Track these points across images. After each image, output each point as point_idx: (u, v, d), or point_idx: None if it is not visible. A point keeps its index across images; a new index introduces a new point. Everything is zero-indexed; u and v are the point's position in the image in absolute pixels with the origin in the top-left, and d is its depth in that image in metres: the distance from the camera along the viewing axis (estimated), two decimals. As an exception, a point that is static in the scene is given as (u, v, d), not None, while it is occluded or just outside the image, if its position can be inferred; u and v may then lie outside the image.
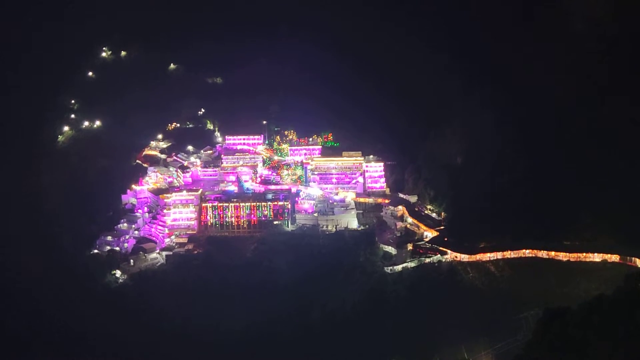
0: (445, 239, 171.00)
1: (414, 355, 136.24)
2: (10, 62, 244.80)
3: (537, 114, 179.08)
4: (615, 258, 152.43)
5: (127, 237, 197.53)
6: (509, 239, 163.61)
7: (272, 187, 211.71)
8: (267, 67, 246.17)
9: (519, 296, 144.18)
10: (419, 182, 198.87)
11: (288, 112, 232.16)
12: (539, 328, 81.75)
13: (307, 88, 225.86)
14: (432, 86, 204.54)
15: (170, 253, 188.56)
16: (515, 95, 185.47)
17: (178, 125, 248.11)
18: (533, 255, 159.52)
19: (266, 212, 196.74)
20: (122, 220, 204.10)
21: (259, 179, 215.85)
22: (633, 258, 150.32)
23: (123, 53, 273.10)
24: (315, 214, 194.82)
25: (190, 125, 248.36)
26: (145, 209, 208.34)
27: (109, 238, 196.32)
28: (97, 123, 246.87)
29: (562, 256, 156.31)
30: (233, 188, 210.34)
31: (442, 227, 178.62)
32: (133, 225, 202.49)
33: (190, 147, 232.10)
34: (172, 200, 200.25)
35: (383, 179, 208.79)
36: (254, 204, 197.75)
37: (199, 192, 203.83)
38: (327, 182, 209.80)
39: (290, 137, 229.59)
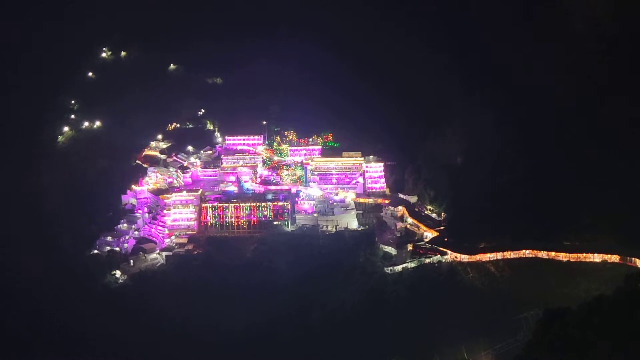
0: (445, 240, 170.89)
1: (414, 356, 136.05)
2: (10, 62, 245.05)
3: (537, 114, 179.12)
4: (615, 258, 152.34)
5: (127, 237, 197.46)
6: (509, 239, 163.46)
7: (272, 187, 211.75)
8: (267, 67, 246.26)
9: (519, 296, 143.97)
10: (419, 183, 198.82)
11: (288, 112, 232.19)
12: (539, 328, 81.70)
13: (307, 88, 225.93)
14: (432, 86, 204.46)
15: (170, 253, 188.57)
16: (515, 95, 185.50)
17: (178, 125, 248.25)
18: (533, 255, 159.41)
19: (266, 213, 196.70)
20: (122, 221, 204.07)
21: (258, 180, 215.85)
22: (633, 258, 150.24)
23: (123, 53, 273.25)
24: (315, 215, 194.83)
25: (190, 126, 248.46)
26: (145, 209, 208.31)
27: (109, 238, 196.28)
28: (97, 123, 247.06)
29: (562, 256, 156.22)
30: (233, 188, 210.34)
31: (442, 228, 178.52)
32: (133, 226, 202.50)
33: (190, 148, 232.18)
34: (172, 201, 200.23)
35: (383, 180, 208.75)
36: (254, 204, 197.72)
37: (199, 192, 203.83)
38: (327, 182, 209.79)
39: (290, 137, 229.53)
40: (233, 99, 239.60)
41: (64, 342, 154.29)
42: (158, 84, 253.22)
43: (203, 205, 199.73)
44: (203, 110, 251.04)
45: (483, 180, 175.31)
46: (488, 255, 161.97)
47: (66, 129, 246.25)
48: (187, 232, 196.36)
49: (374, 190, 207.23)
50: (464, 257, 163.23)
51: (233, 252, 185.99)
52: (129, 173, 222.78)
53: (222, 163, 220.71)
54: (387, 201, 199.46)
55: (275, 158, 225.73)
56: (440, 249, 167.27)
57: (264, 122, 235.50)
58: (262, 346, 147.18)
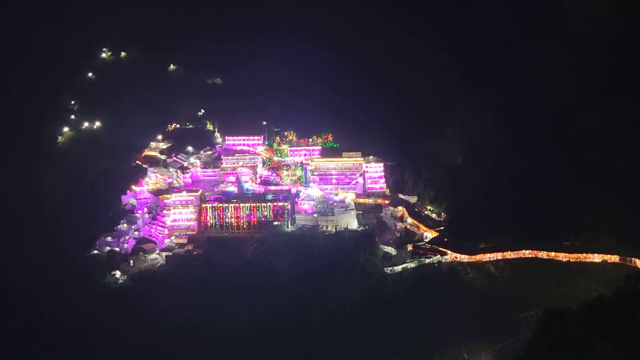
0: (445, 240, 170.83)
1: (414, 356, 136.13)
2: (10, 62, 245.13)
3: (537, 114, 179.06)
4: (615, 259, 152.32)
5: (126, 237, 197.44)
6: (508, 239, 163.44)
7: (272, 187, 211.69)
8: (267, 67, 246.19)
9: (519, 297, 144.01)
10: (419, 183, 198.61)
11: (288, 112, 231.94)
12: (539, 328, 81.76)
13: (307, 88, 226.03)
14: (432, 86, 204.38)
15: (170, 254, 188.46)
16: (515, 95, 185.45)
17: (178, 125, 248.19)
18: (533, 255, 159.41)
19: (266, 213, 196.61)
20: (121, 221, 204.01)
21: (258, 180, 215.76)
22: (633, 259, 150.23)
23: (123, 54, 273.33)
24: (315, 215, 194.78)
25: (190, 126, 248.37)
26: (145, 209, 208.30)
27: (109, 239, 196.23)
28: (97, 124, 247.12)
29: (562, 257, 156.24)
30: (233, 189, 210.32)
31: (442, 228, 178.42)
32: (133, 226, 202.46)
33: (190, 148, 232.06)
34: (171, 201, 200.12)
35: (383, 180, 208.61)
36: (254, 204, 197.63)
37: (199, 192, 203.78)
38: (327, 182, 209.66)
39: (290, 137, 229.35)
40: (233, 99, 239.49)
41: (64, 342, 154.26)
42: (158, 84, 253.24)
43: (203, 205, 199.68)
44: (203, 111, 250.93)
45: (483, 180, 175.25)
46: (488, 255, 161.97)
47: (66, 129, 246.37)
48: (187, 233, 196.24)
49: (373, 190, 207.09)
50: (464, 257, 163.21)
51: (233, 252, 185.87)
52: (129, 173, 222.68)
53: (222, 163, 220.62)
54: (387, 201, 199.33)
55: (275, 158, 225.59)
56: (440, 249, 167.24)
57: (264, 123, 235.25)
58: (262, 346, 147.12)
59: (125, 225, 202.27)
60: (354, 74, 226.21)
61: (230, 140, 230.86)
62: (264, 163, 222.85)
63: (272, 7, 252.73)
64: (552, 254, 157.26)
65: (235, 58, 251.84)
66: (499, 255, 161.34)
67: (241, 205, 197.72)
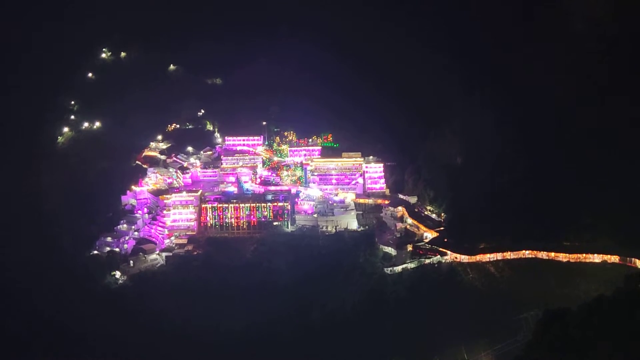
0: (445, 240, 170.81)
1: (414, 356, 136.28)
2: (10, 62, 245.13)
3: (537, 114, 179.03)
4: (615, 259, 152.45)
5: (126, 238, 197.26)
6: (508, 239, 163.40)
7: (272, 188, 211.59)
8: (267, 67, 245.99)
9: (519, 297, 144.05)
10: (419, 183, 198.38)
11: (288, 112, 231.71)
12: (539, 329, 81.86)
13: (306, 89, 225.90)
14: (432, 86, 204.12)
15: (170, 254, 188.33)
16: (515, 95, 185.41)
17: (178, 126, 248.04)
18: (533, 256, 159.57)
19: (266, 213, 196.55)
20: (121, 221, 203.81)
21: (258, 180, 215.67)
22: (633, 259, 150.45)
23: (123, 54, 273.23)
24: (315, 215, 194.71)
25: (190, 126, 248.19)
26: (145, 210, 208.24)
27: (109, 239, 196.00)
28: (97, 124, 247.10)
29: (562, 257, 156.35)
30: (233, 189, 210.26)
31: (441, 228, 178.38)
32: (133, 226, 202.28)
33: (190, 148, 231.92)
34: (171, 201, 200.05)
35: (383, 180, 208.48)
36: (254, 204, 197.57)
37: (199, 193, 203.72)
38: (327, 183, 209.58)
39: (290, 138, 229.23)
40: (233, 100, 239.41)
41: (64, 343, 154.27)
42: (158, 84, 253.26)
43: (203, 205, 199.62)
44: (203, 111, 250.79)
45: (483, 181, 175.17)
46: (488, 255, 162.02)
47: (66, 129, 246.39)
48: (187, 233, 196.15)
49: (373, 190, 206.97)
50: (464, 258, 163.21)
51: (233, 252, 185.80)
52: (129, 174, 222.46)
53: (221, 164, 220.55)
54: (386, 202, 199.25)
55: (275, 159, 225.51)
56: (440, 249, 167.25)
57: (264, 123, 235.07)
58: (262, 346, 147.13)
59: (125, 225, 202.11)
60: (353, 74, 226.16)
61: (230, 141, 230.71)
62: (263, 163, 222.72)
63: (272, 8, 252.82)
64: (552, 254, 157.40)
65: (235, 58, 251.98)
66: (498, 256, 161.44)
67: (241, 205, 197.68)
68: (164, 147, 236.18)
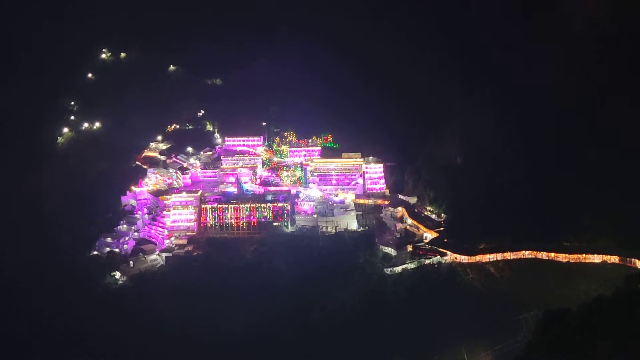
0: (445, 240, 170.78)
1: (414, 357, 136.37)
2: (10, 62, 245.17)
3: (537, 114, 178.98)
4: (614, 259, 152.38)
5: (126, 238, 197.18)
6: (508, 240, 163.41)
7: (272, 188, 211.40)
8: (267, 68, 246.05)
9: (519, 297, 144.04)
10: (419, 184, 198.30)
11: (287, 113, 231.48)
12: (539, 329, 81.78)
13: (306, 89, 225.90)
14: (432, 87, 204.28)
15: (170, 254, 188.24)
16: (515, 95, 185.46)
17: (177, 126, 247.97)
18: (533, 256, 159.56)
19: (266, 214, 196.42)
20: (121, 222, 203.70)
21: (258, 181, 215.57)
22: (633, 259, 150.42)
23: (122, 54, 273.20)
24: (315, 216, 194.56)
25: (190, 127, 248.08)
26: (145, 210, 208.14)
27: (109, 239, 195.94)
28: (97, 124, 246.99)
29: (562, 257, 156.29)
30: (232, 189, 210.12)
31: (441, 229, 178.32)
32: (132, 227, 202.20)
33: (189, 149, 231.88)
34: (171, 202, 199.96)
35: (383, 180, 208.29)
36: (254, 205, 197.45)
37: (199, 193, 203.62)
38: (327, 183, 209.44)
39: (290, 138, 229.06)
40: (233, 100, 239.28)
41: (64, 343, 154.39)
42: (158, 85, 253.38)
43: (203, 206, 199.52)
44: (203, 112, 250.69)
45: (483, 181, 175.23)
46: (488, 256, 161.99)
47: (66, 130, 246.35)
48: (187, 233, 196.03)
49: (373, 191, 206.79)
50: (464, 258, 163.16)
51: (233, 253, 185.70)
52: (129, 174, 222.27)
53: (221, 164, 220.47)
54: (386, 202, 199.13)
55: (275, 159, 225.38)
56: (440, 249, 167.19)
57: (264, 123, 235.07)
58: (262, 347, 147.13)
59: (125, 226, 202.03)
60: (353, 75, 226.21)
61: (230, 141, 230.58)
62: (263, 164, 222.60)
63: (272, 8, 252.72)
64: (552, 254, 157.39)
65: (235, 59, 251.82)
66: (498, 256, 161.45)
67: (241, 206, 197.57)
68: (164, 147, 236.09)
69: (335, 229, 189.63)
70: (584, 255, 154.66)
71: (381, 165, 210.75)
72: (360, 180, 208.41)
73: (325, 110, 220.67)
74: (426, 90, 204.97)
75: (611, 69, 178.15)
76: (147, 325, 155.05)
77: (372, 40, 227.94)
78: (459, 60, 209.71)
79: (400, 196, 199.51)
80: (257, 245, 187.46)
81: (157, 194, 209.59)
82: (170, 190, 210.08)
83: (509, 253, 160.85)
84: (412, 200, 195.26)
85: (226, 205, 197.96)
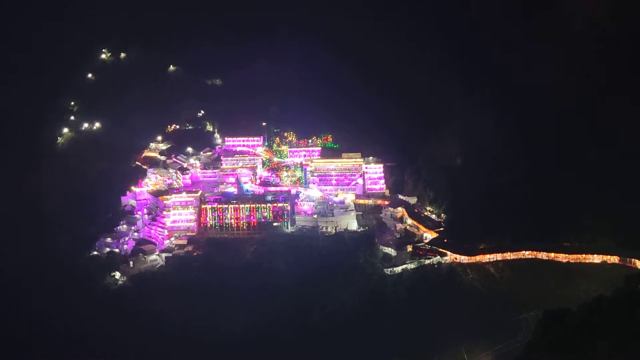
0: (445, 241, 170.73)
1: (414, 357, 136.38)
2: (10, 62, 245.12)
3: (537, 114, 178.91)
4: (614, 259, 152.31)
5: (126, 238, 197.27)
6: (508, 240, 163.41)
7: (272, 188, 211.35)
8: (267, 68, 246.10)
9: (519, 298, 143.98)
10: (419, 184, 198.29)
11: (287, 113, 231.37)
12: (539, 329, 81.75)
13: (306, 89, 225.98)
14: (432, 87, 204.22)
15: (170, 255, 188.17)
16: (515, 95, 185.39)
17: (177, 126, 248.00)
18: (533, 256, 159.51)
19: (266, 214, 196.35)
20: (121, 222, 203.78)
21: (258, 181, 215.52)
22: (633, 259, 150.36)
23: (122, 55, 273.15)
24: (315, 216, 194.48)
25: (190, 127, 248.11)
26: (145, 210, 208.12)
27: (109, 240, 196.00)
28: (97, 125, 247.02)
29: (562, 257, 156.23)
30: (232, 190, 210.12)
31: (441, 229, 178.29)
32: (132, 227, 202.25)
33: (189, 149, 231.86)
34: (171, 202, 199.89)
35: (382, 181, 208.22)
36: (254, 205, 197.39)
37: (199, 193, 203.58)
38: (327, 183, 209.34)
39: (290, 138, 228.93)
40: (233, 100, 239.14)
41: (64, 343, 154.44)
42: (157, 85, 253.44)
43: (202, 206, 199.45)
44: (203, 112, 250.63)
45: (483, 181, 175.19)
46: (488, 256, 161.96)
47: (66, 130, 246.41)
48: (187, 234, 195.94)
49: (373, 191, 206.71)
50: (464, 258, 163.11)
51: (233, 253, 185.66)
52: (129, 174, 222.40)
53: (221, 164, 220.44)
54: (386, 202, 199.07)
55: (275, 159, 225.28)
56: (440, 250, 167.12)
57: (264, 124, 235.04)
58: (262, 347, 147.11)
59: (125, 226, 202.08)
60: (353, 75, 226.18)
61: (230, 141, 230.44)
62: (263, 164, 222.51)
63: (272, 8, 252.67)
64: (552, 254, 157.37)
65: (235, 59, 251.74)
66: (498, 256, 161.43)
67: (241, 206, 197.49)
68: (164, 147, 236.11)
69: (335, 229, 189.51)
70: (584, 255, 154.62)
71: (381, 165, 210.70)
72: (360, 181, 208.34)
73: (325, 110, 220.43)
74: (426, 90, 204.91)
75: (611, 69, 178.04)
76: (147, 326, 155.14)
77: (372, 40, 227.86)
78: (459, 60, 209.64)
79: (400, 196, 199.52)
80: (257, 246, 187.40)
81: (157, 194, 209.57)
82: (170, 190, 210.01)
83: (509, 253, 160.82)
84: (412, 200, 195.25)
85: (226, 206, 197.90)
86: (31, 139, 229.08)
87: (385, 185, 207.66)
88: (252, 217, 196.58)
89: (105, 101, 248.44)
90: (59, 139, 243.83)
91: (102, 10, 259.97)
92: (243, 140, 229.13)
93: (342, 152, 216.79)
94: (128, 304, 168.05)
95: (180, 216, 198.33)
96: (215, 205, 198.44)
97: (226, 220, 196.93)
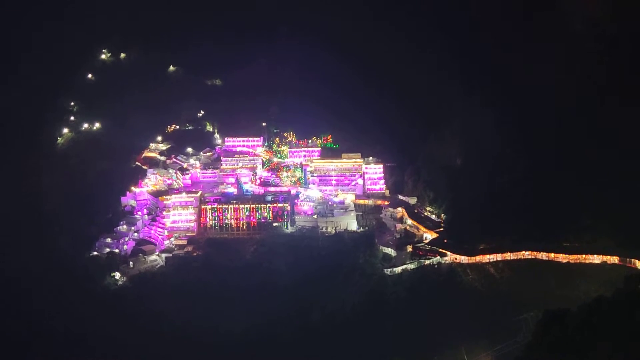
0: (445, 241, 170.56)
1: (414, 357, 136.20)
2: (10, 62, 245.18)
3: (537, 114, 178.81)
4: (614, 260, 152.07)
5: (126, 239, 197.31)
6: (508, 240, 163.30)
7: (272, 189, 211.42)
8: (267, 68, 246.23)
9: (519, 298, 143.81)
10: (419, 184, 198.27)
11: (287, 113, 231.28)
12: (539, 330, 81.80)
13: (306, 90, 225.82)
14: (432, 87, 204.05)
15: (170, 255, 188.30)
16: (515, 95, 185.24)
17: (177, 127, 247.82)
18: (533, 257, 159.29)
19: (265, 214, 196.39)
20: (121, 222, 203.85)
21: (258, 181, 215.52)
22: (632, 260, 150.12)
23: (122, 55, 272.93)
24: (315, 216, 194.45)
25: (190, 127, 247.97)
26: (145, 211, 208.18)
27: (109, 240, 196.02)
28: (97, 125, 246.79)
29: (562, 258, 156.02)
30: (232, 190, 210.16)
31: (441, 229, 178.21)
32: (132, 227, 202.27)
33: (189, 149, 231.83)
34: (171, 202, 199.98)
35: (382, 181, 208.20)
36: (254, 205, 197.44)
37: (199, 194, 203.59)
38: (327, 184, 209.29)
39: (290, 138, 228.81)
40: (233, 101, 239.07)
41: (64, 343, 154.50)
42: (157, 85, 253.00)
43: (202, 206, 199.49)
44: (202, 112, 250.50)
45: (483, 181, 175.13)
46: (488, 256, 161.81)
47: (65, 130, 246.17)
48: (187, 234, 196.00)
49: (373, 191, 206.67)
50: (464, 259, 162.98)
51: (232, 253, 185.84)
52: (129, 175, 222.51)
53: (221, 165, 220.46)
54: (386, 203, 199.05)
55: (275, 159, 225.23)
56: (440, 250, 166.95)
57: (264, 124, 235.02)
58: (262, 347, 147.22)
59: (124, 226, 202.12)
60: (353, 75, 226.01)
61: (230, 142, 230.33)
62: (263, 164, 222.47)
63: (272, 8, 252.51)
64: (552, 255, 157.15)
65: (235, 59, 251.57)
66: (498, 257, 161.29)
67: (241, 206, 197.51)
68: (164, 148, 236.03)
69: (335, 230, 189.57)
70: (583, 255, 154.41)
71: (381, 165, 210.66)
72: (360, 181, 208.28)
73: (325, 110, 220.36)
74: (426, 90, 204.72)
75: (611, 69, 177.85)
76: (147, 326, 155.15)
77: (372, 40, 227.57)
78: (459, 60, 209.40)
79: (400, 197, 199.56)
80: (257, 246, 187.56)
81: (157, 194, 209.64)
82: (170, 190, 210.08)
83: (508, 253, 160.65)
84: (412, 200, 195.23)
85: (226, 206, 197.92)
86: (31, 139, 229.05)
87: (385, 185, 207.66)
88: (252, 217, 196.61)
89: (105, 101, 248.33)
90: (59, 139, 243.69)
91: (102, 10, 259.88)
92: (243, 141, 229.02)
93: (342, 153, 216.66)
94: (128, 305, 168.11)
95: (180, 216, 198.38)
96: (215, 206, 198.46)
97: (226, 221, 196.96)
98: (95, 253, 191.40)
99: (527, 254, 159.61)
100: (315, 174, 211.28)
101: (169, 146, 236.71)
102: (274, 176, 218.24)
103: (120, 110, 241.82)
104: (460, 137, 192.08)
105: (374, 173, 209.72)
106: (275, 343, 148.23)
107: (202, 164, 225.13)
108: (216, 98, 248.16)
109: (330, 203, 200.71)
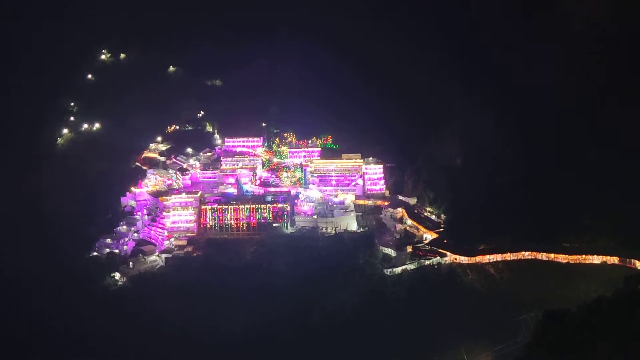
0: (445, 241, 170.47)
1: (414, 357, 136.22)
2: (10, 62, 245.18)
3: (537, 114, 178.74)
4: (614, 260, 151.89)
5: (126, 239, 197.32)
6: (508, 240, 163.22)
7: (272, 189, 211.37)
8: (267, 68, 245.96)
9: (519, 298, 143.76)
10: (419, 184, 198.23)
11: (287, 114, 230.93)
12: (539, 330, 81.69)
13: (306, 90, 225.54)
14: (432, 87, 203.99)
15: (170, 255, 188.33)
16: (515, 95, 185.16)
17: (177, 127, 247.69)
18: (532, 257, 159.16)
19: (265, 215, 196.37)
20: (121, 223, 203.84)
21: (258, 181, 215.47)
22: (632, 260, 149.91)
23: (122, 55, 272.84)
24: (315, 216, 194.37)
25: (190, 128, 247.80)
26: (145, 211, 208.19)
27: (108, 240, 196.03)
28: (97, 125, 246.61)
29: (562, 258, 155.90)
30: (232, 190, 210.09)
31: (441, 229, 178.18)
32: (132, 228, 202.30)
33: (189, 150, 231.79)
34: (171, 203, 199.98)
35: (382, 181, 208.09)
36: (253, 206, 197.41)
37: (198, 194, 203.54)
38: (327, 184, 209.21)
39: (290, 139, 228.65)
40: (232, 101, 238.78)
41: (64, 344, 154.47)
42: (157, 85, 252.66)
43: (202, 207, 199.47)
44: (202, 112, 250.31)
45: (483, 181, 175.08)
46: (487, 256, 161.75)
47: (65, 131, 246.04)
48: (187, 234, 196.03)
49: (373, 192, 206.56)
50: (464, 259, 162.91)
51: (232, 254, 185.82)
52: (128, 175, 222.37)
53: (221, 165, 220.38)
54: (386, 203, 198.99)
55: (275, 160, 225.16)
56: (440, 250, 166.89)
57: (264, 124, 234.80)
58: (262, 348, 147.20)
59: (124, 227, 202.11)
60: (353, 75, 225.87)
61: (230, 142, 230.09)
62: (263, 164, 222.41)
63: (272, 8, 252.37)
64: (552, 255, 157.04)
65: (234, 59, 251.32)
66: (498, 257, 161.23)
67: (240, 206, 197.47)
68: (164, 148, 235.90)
69: (335, 230, 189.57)
70: (583, 256, 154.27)
71: (381, 166, 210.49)
72: (360, 181, 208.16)
73: (325, 110, 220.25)
74: (426, 90, 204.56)
75: (611, 69, 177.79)
76: (147, 326, 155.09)
77: (372, 40, 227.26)
78: (459, 60, 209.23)
79: (400, 197, 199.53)
80: (256, 246, 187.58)
81: (157, 194, 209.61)
82: (170, 191, 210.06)
83: (508, 254, 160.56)
84: (412, 201, 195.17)
85: (226, 206, 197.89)
86: (31, 139, 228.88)
87: (385, 185, 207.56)
88: (251, 217, 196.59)
89: (105, 102, 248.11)
90: (59, 139, 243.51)
91: (102, 10, 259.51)
92: (243, 141, 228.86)
93: (342, 153, 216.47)
94: (128, 305, 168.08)
95: (180, 217, 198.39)
96: (215, 206, 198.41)
97: (226, 221, 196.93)
98: (95, 253, 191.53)
99: (527, 254, 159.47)
100: (315, 175, 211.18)
101: (168, 146, 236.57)
102: (274, 176, 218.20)
103: (120, 111, 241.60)
104: (460, 137, 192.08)
105: (374, 173, 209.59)
106: (275, 343, 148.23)
107: (202, 164, 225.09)
108: (216, 98, 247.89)
109: (330, 203, 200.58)
